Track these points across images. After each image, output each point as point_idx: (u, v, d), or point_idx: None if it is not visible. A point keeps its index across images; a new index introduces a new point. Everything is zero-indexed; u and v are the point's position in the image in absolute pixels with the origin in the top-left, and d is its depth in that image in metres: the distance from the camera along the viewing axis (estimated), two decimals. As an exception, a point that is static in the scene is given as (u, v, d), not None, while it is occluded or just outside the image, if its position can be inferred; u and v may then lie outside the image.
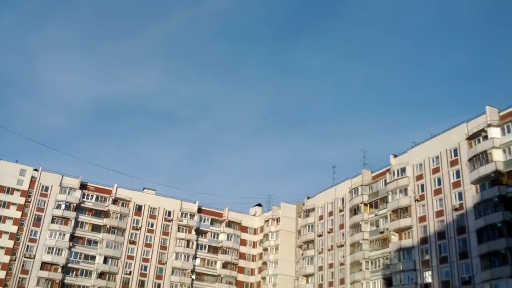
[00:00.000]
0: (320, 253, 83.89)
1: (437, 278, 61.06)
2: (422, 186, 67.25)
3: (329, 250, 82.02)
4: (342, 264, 78.18)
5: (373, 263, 72.14)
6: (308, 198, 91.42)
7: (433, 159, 66.75)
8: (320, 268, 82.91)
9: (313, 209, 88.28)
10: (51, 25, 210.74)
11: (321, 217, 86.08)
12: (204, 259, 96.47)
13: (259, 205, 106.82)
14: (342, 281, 77.37)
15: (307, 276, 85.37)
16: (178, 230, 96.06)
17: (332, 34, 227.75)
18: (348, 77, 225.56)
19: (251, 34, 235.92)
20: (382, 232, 71.54)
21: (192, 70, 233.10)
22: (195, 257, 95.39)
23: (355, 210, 77.20)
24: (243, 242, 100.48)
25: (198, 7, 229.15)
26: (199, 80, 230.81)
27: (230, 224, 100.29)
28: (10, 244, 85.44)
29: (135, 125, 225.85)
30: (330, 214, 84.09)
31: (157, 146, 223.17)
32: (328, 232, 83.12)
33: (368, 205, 75.94)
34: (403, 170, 70.26)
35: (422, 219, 65.77)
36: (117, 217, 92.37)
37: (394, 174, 71.20)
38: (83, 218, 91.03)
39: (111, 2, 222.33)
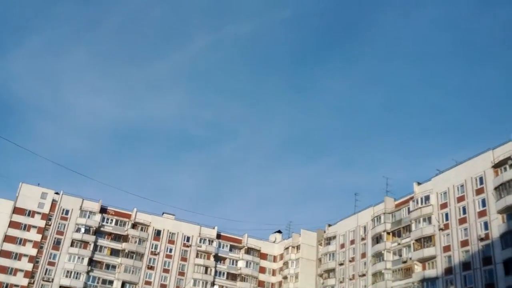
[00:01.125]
0: (341, 282, 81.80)
1: (463, 311, 58.84)
2: (447, 214, 65.50)
3: (350, 279, 79.90)
4: (363, 294, 76.05)
5: (395, 294, 70.00)
6: (329, 225, 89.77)
7: (458, 187, 65.10)
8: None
9: (334, 237, 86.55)
10: (75, 49, 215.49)
11: (342, 245, 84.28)
12: (222, 286, 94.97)
13: (279, 231, 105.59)
14: (363, 312, 75.20)
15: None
16: (197, 256, 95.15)
17: (353, 59, 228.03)
18: (370, 102, 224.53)
19: (273, 58, 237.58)
20: (405, 262, 69.53)
21: (214, 94, 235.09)
22: (213, 284, 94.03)
23: (377, 239, 75.41)
24: (262, 270, 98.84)
25: (220, 32, 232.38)
26: (221, 104, 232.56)
27: (249, 250, 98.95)
28: (29, 267, 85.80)
29: (157, 149, 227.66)
30: (352, 242, 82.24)
31: (178, 170, 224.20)
32: (350, 261, 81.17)
33: (391, 233, 74.15)
34: (427, 198, 68.65)
35: (447, 248, 63.82)
36: (136, 242, 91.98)
37: (417, 202, 69.59)
38: (102, 242, 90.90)
39: (133, 28, 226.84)
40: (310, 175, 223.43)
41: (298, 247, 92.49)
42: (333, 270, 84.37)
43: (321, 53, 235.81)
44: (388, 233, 74.34)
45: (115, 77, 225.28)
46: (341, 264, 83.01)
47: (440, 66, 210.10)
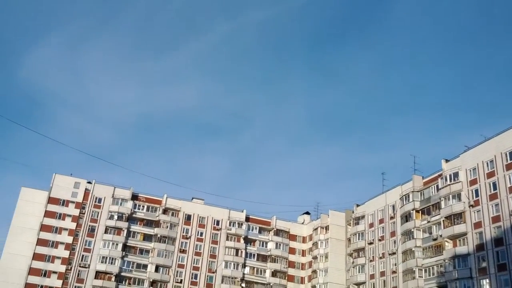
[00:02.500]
0: (371, 261, 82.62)
1: (495, 286, 59.00)
2: (477, 191, 65.31)
3: (380, 258, 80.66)
4: (394, 272, 76.70)
5: (427, 271, 70.41)
6: (358, 205, 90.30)
7: (487, 163, 64.76)
8: (372, 277, 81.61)
9: (363, 217, 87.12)
10: (97, 42, 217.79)
11: (371, 225, 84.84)
12: (253, 268, 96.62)
13: (307, 213, 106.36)
14: (394, 290, 75.93)
15: (358, 284, 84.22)
16: (227, 239, 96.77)
17: (375, 39, 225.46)
18: (394, 82, 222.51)
19: (292, 43, 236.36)
20: (435, 239, 69.80)
21: (235, 81, 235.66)
22: (244, 266, 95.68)
23: (406, 217, 75.69)
24: (292, 251, 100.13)
25: (239, 19, 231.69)
26: (241, 91, 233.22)
27: (278, 232, 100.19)
28: (66, 254, 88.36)
29: (182, 137, 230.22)
30: (381, 221, 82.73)
31: (204, 156, 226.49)
32: (379, 240, 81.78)
33: (420, 211, 74.28)
34: (456, 175, 68.49)
35: (478, 225, 63.80)
36: (167, 227, 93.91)
37: (446, 180, 69.49)
38: (135, 228, 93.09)
39: (153, 18, 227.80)
40: (334, 156, 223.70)
41: (327, 228, 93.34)
42: (362, 249, 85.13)
43: (340, 36, 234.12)
44: (417, 211, 74.46)
45: (138, 68, 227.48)
46: (370, 243, 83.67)
47: (464, 42, 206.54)
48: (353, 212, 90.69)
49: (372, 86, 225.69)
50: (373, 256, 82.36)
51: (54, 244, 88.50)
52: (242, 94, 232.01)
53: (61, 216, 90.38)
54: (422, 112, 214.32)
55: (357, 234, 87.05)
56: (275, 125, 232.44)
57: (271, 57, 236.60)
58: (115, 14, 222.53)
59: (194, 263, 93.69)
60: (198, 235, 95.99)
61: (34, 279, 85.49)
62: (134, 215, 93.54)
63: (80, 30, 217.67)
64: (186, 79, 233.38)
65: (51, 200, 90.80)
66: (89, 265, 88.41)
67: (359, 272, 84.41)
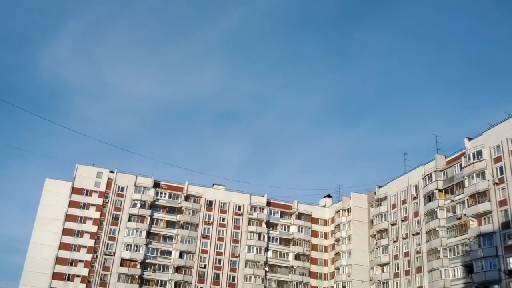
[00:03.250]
0: (394, 242, 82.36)
1: (522, 264, 58.46)
2: (501, 168, 64.45)
3: (404, 238, 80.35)
4: (418, 252, 76.39)
5: (451, 250, 69.95)
6: (380, 187, 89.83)
7: (511, 140, 63.78)
8: (396, 257, 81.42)
9: (385, 198, 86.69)
10: (114, 32, 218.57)
11: (393, 206, 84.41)
12: (276, 251, 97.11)
13: (329, 196, 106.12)
14: (419, 270, 75.67)
15: (382, 265, 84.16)
16: (249, 224, 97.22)
17: (395, 15, 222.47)
18: (414, 59, 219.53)
19: (309, 22, 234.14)
20: (459, 218, 69.22)
21: (253, 65, 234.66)
22: (267, 250, 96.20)
23: (429, 197, 75.11)
24: (314, 234, 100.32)
25: (254, 2, 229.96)
26: (260, 75, 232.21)
27: (300, 216, 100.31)
28: (91, 243, 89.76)
29: (201, 123, 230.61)
30: (403, 202, 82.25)
31: (224, 141, 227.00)
32: (402, 221, 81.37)
33: (443, 191, 73.62)
34: (479, 153, 67.60)
35: (503, 203, 63.06)
36: (189, 213, 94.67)
37: (469, 158, 68.67)
38: (158, 215, 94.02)
39: (169, 5, 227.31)
40: (355, 137, 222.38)
41: (349, 210, 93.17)
42: (385, 230, 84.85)
43: (360, 12, 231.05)
44: (441, 191, 73.84)
45: (155, 56, 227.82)
46: (393, 224, 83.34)
47: (485, 17, 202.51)
48: (375, 193, 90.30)
49: (392, 66, 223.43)
50: (396, 237, 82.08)
51: (80, 234, 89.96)
52: (260, 78, 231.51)
53: (85, 206, 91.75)
54: (443, 91, 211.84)
55: (379, 215, 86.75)
56: (294, 109, 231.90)
57: (288, 40, 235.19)
58: (131, 1, 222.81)
59: (217, 248, 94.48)
60: (220, 220, 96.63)
61: (61, 268, 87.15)
62: (156, 203, 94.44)
63: (95, 18, 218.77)
64: (204, 64, 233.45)
65: (74, 190, 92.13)
66: (114, 253, 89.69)
67: (382, 253, 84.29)
